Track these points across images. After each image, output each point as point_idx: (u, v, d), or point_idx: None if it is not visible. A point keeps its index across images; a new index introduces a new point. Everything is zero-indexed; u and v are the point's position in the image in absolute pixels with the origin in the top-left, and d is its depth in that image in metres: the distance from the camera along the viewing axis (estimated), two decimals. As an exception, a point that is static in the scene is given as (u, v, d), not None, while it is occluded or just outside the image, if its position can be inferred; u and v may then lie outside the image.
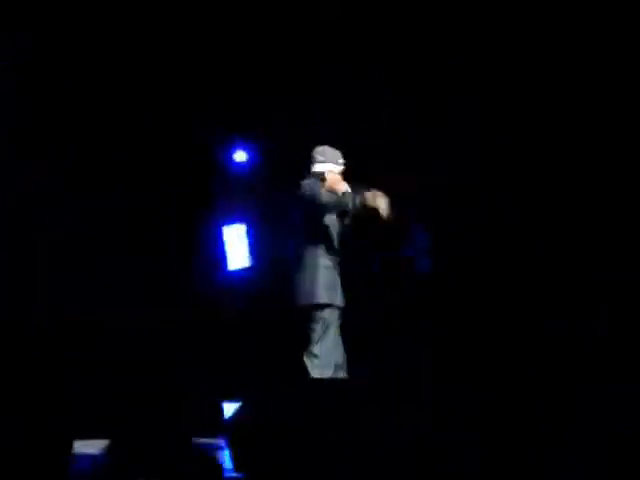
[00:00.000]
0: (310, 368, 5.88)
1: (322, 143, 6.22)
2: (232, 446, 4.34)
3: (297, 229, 6.05)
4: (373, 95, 7.96)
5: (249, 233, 8.75)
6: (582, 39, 7.68)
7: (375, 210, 5.88)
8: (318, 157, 6.09)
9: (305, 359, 5.91)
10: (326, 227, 6.00)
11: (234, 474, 4.34)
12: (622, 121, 7.69)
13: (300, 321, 5.98)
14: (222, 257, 8.75)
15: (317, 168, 6.08)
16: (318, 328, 5.89)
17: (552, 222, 7.81)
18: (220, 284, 8.72)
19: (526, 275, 7.80)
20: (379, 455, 3.98)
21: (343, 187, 5.94)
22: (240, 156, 8.80)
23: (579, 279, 7.59)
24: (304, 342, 5.96)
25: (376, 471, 3.93)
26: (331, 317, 5.91)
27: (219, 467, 4.20)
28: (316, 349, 5.86)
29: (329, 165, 6.07)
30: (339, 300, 5.97)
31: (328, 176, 6.00)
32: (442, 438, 4.03)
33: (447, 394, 4.32)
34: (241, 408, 4.54)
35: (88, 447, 4.48)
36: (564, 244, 7.72)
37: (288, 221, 6.17)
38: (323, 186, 5.97)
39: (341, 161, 6.11)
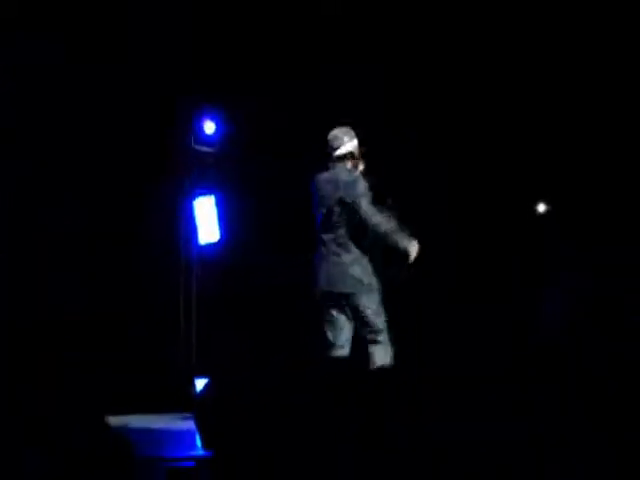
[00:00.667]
0: (380, 354, 5.89)
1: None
2: (200, 423, 4.29)
3: (335, 218, 5.97)
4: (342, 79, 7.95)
5: (218, 206, 8.53)
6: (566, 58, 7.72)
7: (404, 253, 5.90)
8: (344, 139, 6.02)
9: (373, 345, 5.90)
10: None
11: (202, 451, 4.31)
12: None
13: (337, 306, 5.95)
14: (193, 231, 8.65)
15: (343, 150, 6.03)
16: (369, 310, 5.90)
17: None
18: (192, 259, 8.63)
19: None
20: (349, 435, 3.97)
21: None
22: (209, 127, 8.58)
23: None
24: (360, 328, 5.95)
25: (346, 451, 3.92)
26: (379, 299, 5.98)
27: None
28: (380, 329, 5.90)
29: (353, 143, 6.05)
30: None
31: (357, 152, 5.96)
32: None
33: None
34: (209, 384, 4.49)
35: None
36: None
37: (318, 205, 6.04)
38: (354, 166, 5.98)
39: (354, 134, 6.10)
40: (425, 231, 6.07)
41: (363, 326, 5.94)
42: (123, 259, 8.04)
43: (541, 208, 9.40)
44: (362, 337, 5.96)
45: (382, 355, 5.89)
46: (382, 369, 5.74)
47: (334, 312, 5.96)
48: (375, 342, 5.91)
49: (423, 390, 4.39)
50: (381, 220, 5.88)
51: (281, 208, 8.29)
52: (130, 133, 7.99)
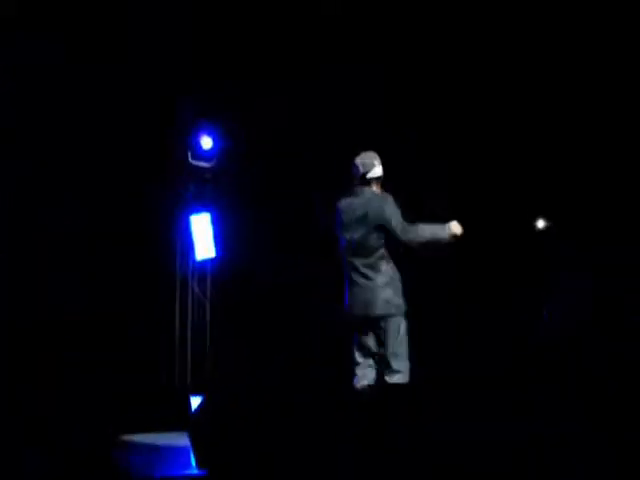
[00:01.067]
0: (396, 376, 5.85)
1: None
2: (194, 442, 4.26)
3: (369, 242, 5.93)
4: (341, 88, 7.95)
5: (214, 222, 8.57)
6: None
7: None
8: (374, 163, 6.01)
9: (388, 372, 5.88)
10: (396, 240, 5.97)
11: (196, 471, 4.28)
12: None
13: (368, 330, 5.92)
14: (190, 246, 8.63)
15: (373, 174, 6.02)
16: (397, 335, 5.88)
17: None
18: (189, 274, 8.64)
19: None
20: (347, 452, 3.96)
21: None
22: (206, 142, 8.59)
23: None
24: (378, 350, 5.94)
25: (344, 467, 3.91)
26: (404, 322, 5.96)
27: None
28: (400, 355, 5.87)
29: (381, 167, 6.06)
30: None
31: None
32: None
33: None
34: (203, 404, 4.45)
35: None
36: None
37: (345, 229, 6.03)
38: (378, 189, 6.00)
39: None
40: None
41: (385, 350, 5.89)
42: (123, 259, 8.04)
43: (540, 224, 9.43)
44: (381, 361, 5.92)
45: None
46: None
47: (365, 336, 5.94)
48: (391, 369, 5.86)
49: (423, 390, 4.39)
50: (417, 234, 5.87)
51: (279, 222, 8.30)
52: (129, 135, 7.99)
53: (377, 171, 6.02)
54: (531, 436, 3.97)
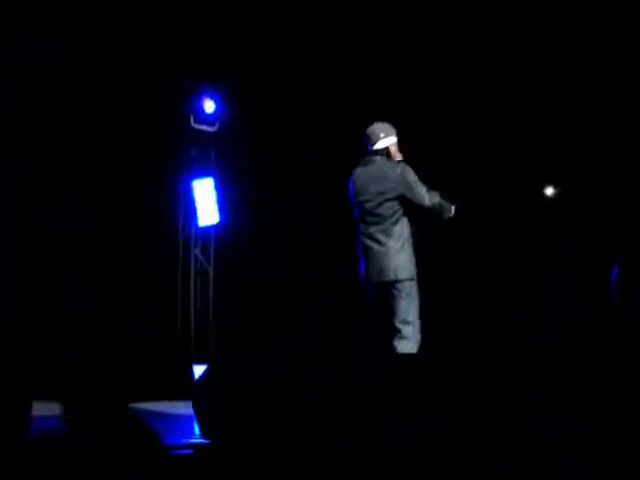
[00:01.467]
0: (403, 349, 5.86)
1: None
2: (197, 412, 4.24)
3: (384, 210, 5.97)
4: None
5: (218, 189, 8.48)
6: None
7: None
8: (379, 135, 6.06)
9: (397, 338, 5.87)
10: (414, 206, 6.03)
11: (201, 440, 4.26)
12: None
13: (382, 296, 5.95)
14: (193, 213, 8.53)
15: (381, 144, 6.06)
16: (406, 301, 5.92)
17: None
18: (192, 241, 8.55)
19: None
20: (346, 426, 3.95)
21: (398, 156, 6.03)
22: (209, 106, 8.48)
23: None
24: (389, 316, 5.93)
25: (343, 441, 3.90)
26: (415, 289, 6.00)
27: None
28: (409, 322, 5.89)
29: (389, 139, 6.08)
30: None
31: (392, 149, 6.03)
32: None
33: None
34: (207, 372, 4.43)
35: (45, 410, 4.42)
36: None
37: (359, 198, 6.05)
38: (390, 159, 6.04)
39: (393, 131, 6.14)
40: (425, 230, 6.08)
41: (394, 315, 5.91)
42: (123, 259, 8.04)
43: (549, 192, 9.33)
44: (390, 326, 5.93)
45: (405, 350, 5.87)
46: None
47: (382, 301, 5.95)
48: (400, 335, 5.87)
49: (423, 390, 4.39)
50: (435, 200, 5.97)
51: (284, 189, 8.18)
52: (129, 135, 7.97)
53: (381, 144, 6.04)
54: (531, 436, 3.97)
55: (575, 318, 8.05)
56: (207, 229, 8.59)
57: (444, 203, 6.02)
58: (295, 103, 7.97)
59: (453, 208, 6.05)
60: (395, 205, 5.94)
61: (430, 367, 5.92)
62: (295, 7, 7.89)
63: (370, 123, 6.09)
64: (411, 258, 5.98)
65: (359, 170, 6.10)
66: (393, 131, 6.11)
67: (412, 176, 5.95)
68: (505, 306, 8.34)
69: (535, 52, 8.16)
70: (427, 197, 5.95)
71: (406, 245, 5.97)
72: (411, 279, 5.95)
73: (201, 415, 4.21)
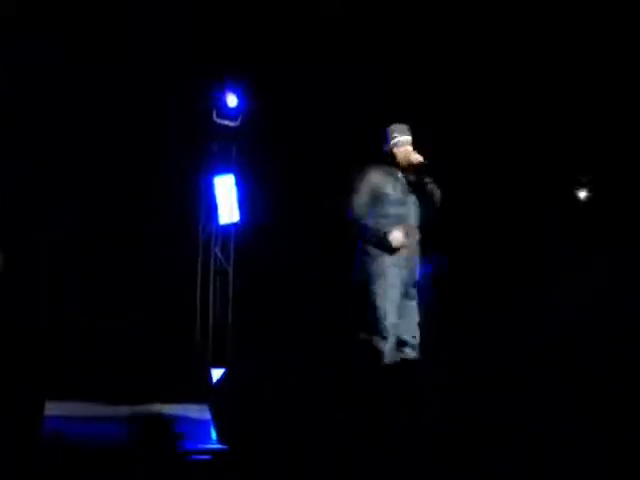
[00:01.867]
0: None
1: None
2: (215, 416, 4.19)
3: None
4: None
5: (238, 185, 8.34)
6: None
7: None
8: (385, 136, 6.01)
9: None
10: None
11: (218, 445, 4.19)
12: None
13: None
14: (214, 210, 8.40)
15: (385, 147, 6.01)
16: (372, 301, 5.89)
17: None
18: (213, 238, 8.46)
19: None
20: (358, 432, 3.94)
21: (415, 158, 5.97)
22: (231, 100, 8.34)
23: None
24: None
25: (356, 445, 3.88)
26: None
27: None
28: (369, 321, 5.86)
29: (395, 141, 6.04)
30: None
31: (400, 149, 5.97)
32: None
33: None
34: (225, 376, 4.37)
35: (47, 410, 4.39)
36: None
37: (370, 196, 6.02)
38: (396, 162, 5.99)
39: (409, 132, 6.10)
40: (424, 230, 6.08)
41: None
42: (123, 259, 8.03)
43: (582, 194, 9.28)
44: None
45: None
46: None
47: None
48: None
49: (423, 390, 4.38)
50: (360, 220, 5.87)
51: (305, 185, 8.11)
52: (131, 135, 7.95)
53: (385, 146, 5.99)
54: (531, 436, 3.97)
55: (575, 318, 8.05)
56: (227, 227, 8.47)
57: (374, 232, 5.80)
58: (313, 102, 7.93)
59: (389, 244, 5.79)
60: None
61: (430, 367, 5.92)
62: (295, 7, 7.89)
63: (387, 123, 6.05)
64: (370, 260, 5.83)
65: (377, 169, 6.02)
66: (398, 134, 6.02)
67: (355, 183, 5.87)
68: (505, 306, 8.34)
69: (535, 51, 8.15)
70: (353, 210, 5.81)
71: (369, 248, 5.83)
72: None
73: (219, 420, 4.14)
